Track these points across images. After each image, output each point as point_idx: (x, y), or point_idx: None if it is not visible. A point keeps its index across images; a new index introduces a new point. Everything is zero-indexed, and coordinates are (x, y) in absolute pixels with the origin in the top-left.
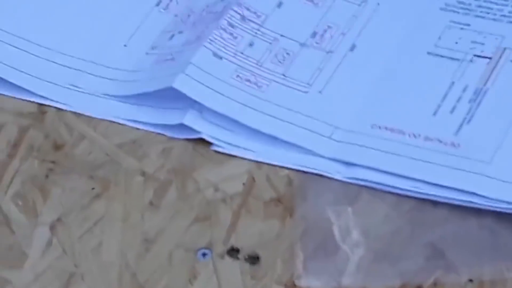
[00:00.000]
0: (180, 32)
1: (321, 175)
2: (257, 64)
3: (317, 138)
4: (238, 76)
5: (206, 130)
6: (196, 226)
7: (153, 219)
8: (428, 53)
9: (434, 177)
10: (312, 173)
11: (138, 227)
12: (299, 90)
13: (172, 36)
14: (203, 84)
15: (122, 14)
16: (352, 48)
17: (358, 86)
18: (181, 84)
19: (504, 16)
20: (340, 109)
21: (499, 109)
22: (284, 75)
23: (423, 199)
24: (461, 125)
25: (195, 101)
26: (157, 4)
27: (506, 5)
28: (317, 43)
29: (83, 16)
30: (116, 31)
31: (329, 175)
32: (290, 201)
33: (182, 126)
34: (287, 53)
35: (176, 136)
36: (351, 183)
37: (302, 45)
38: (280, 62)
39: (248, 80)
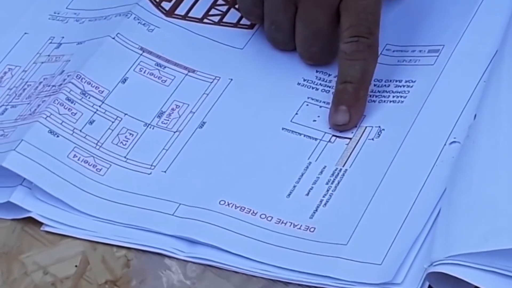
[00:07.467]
0: (13, 106)
1: (162, 254)
2: (96, 145)
3: (159, 217)
4: (75, 156)
5: (36, 209)
6: None
7: None
8: (283, 129)
9: (286, 262)
10: (153, 252)
11: None
12: (141, 172)
13: (5, 110)
14: (36, 162)
15: None
16: (202, 125)
17: (206, 162)
18: (12, 162)
19: None
20: (185, 186)
21: (357, 190)
22: (126, 157)
23: (274, 280)
24: (317, 208)
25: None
26: None
27: None
28: (163, 123)
29: None
30: None
31: (171, 254)
32: (127, 284)
33: (9, 205)
34: (131, 134)
35: (2, 216)
36: (194, 263)
37: (147, 125)
38: (122, 143)
39: (86, 162)
